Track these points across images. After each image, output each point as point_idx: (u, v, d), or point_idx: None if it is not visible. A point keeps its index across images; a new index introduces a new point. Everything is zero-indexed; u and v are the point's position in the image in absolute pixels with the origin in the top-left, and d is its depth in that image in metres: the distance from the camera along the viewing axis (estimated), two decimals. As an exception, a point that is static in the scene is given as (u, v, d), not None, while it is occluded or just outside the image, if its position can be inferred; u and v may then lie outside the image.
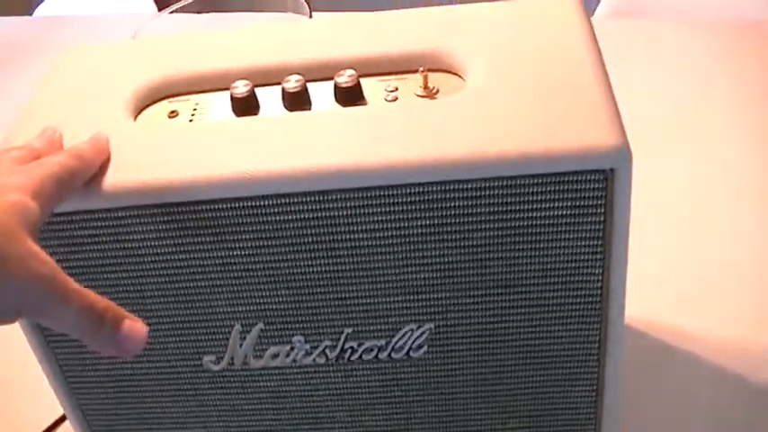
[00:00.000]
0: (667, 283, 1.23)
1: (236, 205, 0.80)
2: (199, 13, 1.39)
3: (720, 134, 1.49)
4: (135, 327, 0.73)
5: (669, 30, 1.79)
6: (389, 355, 0.89)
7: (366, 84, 0.88)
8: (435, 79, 0.88)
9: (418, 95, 0.86)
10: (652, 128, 1.49)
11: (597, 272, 0.83)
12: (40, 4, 2.39)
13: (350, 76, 0.86)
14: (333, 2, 1.75)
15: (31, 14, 2.35)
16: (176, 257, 0.84)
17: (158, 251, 0.83)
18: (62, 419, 1.15)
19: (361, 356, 0.90)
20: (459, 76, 0.88)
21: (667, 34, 1.77)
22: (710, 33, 1.75)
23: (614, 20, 2.01)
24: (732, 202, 1.35)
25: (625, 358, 0.90)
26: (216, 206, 0.80)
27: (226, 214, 0.81)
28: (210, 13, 1.41)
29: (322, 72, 0.89)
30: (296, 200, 0.79)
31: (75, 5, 2.33)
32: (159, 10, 1.94)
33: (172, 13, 1.38)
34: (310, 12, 1.29)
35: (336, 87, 0.87)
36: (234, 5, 1.42)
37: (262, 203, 0.80)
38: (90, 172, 0.80)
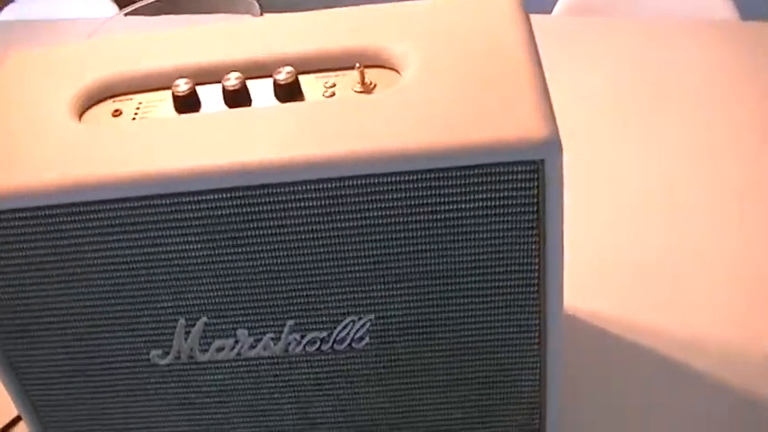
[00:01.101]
0: (609, 273, 1.25)
1: (175, 201, 0.81)
2: (154, 15, 1.40)
3: (673, 125, 1.51)
4: None
5: (624, 26, 1.81)
6: (332, 346, 0.91)
7: (305, 80, 0.89)
8: (373, 75, 0.89)
9: (356, 91, 0.88)
10: (603, 121, 1.50)
11: (532, 262, 0.84)
12: (3, 8, 2.39)
13: (288, 73, 0.88)
14: (289, 3, 1.76)
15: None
16: (117, 253, 0.85)
17: (100, 247, 0.84)
18: (17, 420, 1.15)
19: (304, 348, 0.91)
20: (396, 71, 0.89)
21: (622, 30, 1.79)
22: (665, 30, 1.77)
23: (571, 16, 2.03)
24: (672, 193, 1.37)
25: (568, 347, 0.91)
26: (155, 202, 0.81)
27: (165, 210, 0.82)
28: (165, 15, 1.42)
29: (261, 70, 0.91)
30: (233, 194, 0.81)
31: (40, 9, 2.34)
32: (122, 13, 1.94)
33: (127, 14, 1.39)
34: (261, 13, 1.30)
35: (276, 84, 0.88)
36: (188, 8, 1.43)
37: (200, 198, 0.81)
38: None
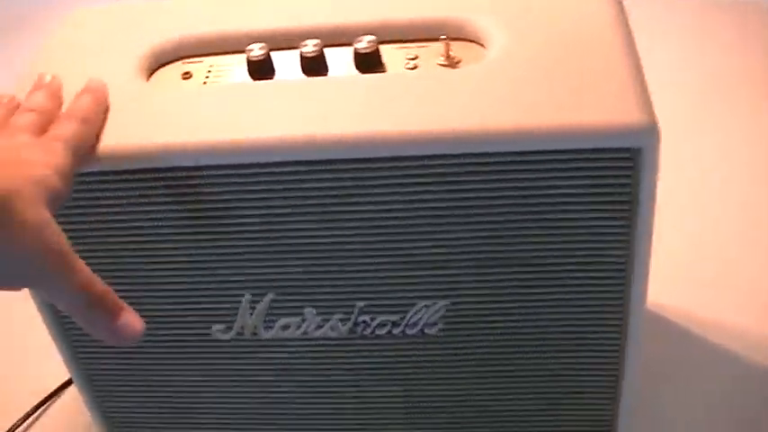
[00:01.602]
0: (692, 269, 1.21)
1: (248, 172, 0.77)
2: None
3: (746, 111, 1.46)
4: (131, 318, 0.73)
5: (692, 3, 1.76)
6: (403, 331, 0.87)
7: (386, 51, 0.85)
8: (457, 48, 0.85)
9: (439, 64, 0.83)
10: (677, 105, 1.46)
11: (621, 254, 0.80)
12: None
13: (369, 42, 0.83)
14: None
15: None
16: (185, 224, 0.81)
17: (166, 216, 0.81)
18: (68, 383, 1.14)
19: (373, 331, 0.87)
20: (482, 46, 0.85)
21: (690, 7, 1.73)
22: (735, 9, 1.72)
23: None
24: (762, 182, 1.32)
25: (645, 343, 0.87)
26: (226, 172, 0.78)
27: (237, 180, 0.78)
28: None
29: (341, 37, 0.86)
30: (309, 168, 0.77)
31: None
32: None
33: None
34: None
35: (355, 53, 0.84)
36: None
37: (273, 170, 0.77)
38: (96, 132, 0.78)
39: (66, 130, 0.75)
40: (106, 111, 0.81)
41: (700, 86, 1.52)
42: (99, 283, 0.71)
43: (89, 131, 0.77)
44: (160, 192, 0.80)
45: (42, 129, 0.76)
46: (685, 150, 1.37)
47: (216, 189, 0.79)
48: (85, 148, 0.76)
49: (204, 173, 0.78)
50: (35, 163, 0.70)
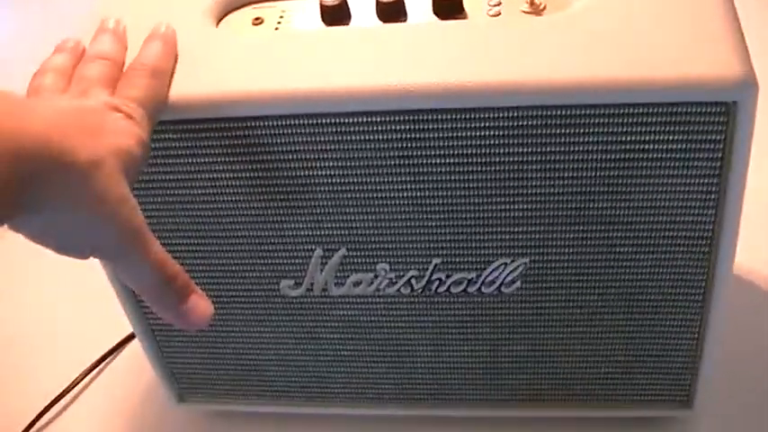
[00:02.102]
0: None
1: (321, 122, 0.75)
2: None
3: None
4: (201, 303, 0.72)
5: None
6: (479, 289, 0.84)
7: (468, -4, 0.82)
8: (542, -6, 0.81)
9: (523, 11, 0.80)
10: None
11: (709, 213, 0.77)
12: None
13: (450, -14, 0.80)
14: None
15: None
16: (255, 175, 0.79)
17: (237, 167, 0.79)
18: (130, 338, 1.12)
19: (448, 289, 0.85)
20: (568, -8, 0.81)
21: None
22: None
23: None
24: None
25: (731, 308, 0.84)
26: (299, 122, 0.75)
27: (310, 131, 0.75)
28: None
29: (421, -19, 0.83)
30: (387, 119, 0.74)
31: None
32: None
33: None
34: None
35: (435, -2, 0.80)
36: None
37: (348, 121, 0.74)
38: (167, 84, 0.76)
39: (140, 88, 0.73)
40: (175, 60, 0.78)
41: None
42: (171, 264, 0.69)
43: (161, 85, 0.75)
44: (231, 143, 0.77)
45: (114, 80, 0.74)
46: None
47: (288, 140, 0.76)
48: (159, 105, 0.74)
49: (276, 122, 0.75)
50: (118, 132, 0.68)
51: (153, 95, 0.73)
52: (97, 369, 1.13)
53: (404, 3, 0.81)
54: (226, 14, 0.85)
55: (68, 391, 1.10)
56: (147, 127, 0.71)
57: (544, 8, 0.80)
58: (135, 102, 0.71)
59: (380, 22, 0.81)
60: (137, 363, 1.09)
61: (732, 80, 0.69)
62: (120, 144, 0.66)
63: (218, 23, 0.84)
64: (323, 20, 0.82)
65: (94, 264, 0.86)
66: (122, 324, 0.95)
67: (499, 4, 0.81)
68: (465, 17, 0.80)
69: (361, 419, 1.01)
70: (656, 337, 0.87)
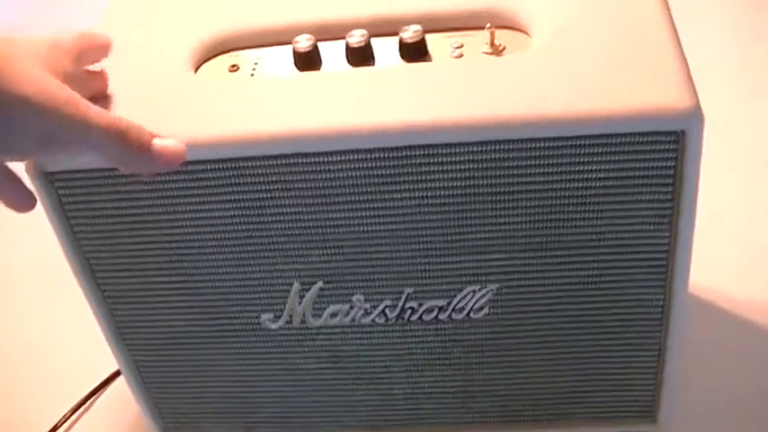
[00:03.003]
0: (736, 252, 1.21)
1: (297, 161, 0.79)
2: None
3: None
4: (166, 142, 0.75)
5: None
6: (450, 316, 0.88)
7: (431, 40, 0.86)
8: (502, 36, 0.86)
9: (485, 53, 0.85)
10: (719, 87, 1.46)
11: (664, 236, 0.81)
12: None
13: (415, 32, 0.84)
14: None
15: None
16: (235, 213, 0.83)
17: (216, 207, 0.82)
18: (116, 374, 1.15)
19: (420, 317, 0.89)
20: (526, 34, 0.86)
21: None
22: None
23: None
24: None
25: (688, 327, 0.88)
26: (276, 162, 0.79)
27: (286, 170, 0.79)
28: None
29: (386, 27, 0.87)
30: (357, 157, 0.78)
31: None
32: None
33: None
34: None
35: (401, 43, 0.85)
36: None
37: (322, 160, 0.78)
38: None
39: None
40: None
41: (744, 69, 1.52)
42: (117, 120, 0.72)
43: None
44: (210, 183, 0.81)
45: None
46: (732, 132, 1.38)
47: (265, 179, 0.80)
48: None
49: (254, 163, 0.79)
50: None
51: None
52: (84, 406, 1.15)
53: (372, 48, 0.86)
54: (204, 62, 0.90)
55: (56, 429, 1.12)
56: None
57: (504, 49, 0.84)
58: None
59: (350, 67, 0.85)
60: (123, 399, 1.12)
61: (680, 111, 0.74)
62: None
63: (196, 70, 0.88)
64: (296, 66, 0.86)
65: (81, 301, 0.90)
66: (110, 361, 0.98)
67: (461, 46, 0.85)
68: (430, 60, 0.85)
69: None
70: (619, 355, 0.91)
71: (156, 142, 0.74)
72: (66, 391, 1.16)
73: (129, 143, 0.72)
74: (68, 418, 1.13)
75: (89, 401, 1.15)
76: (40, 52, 0.73)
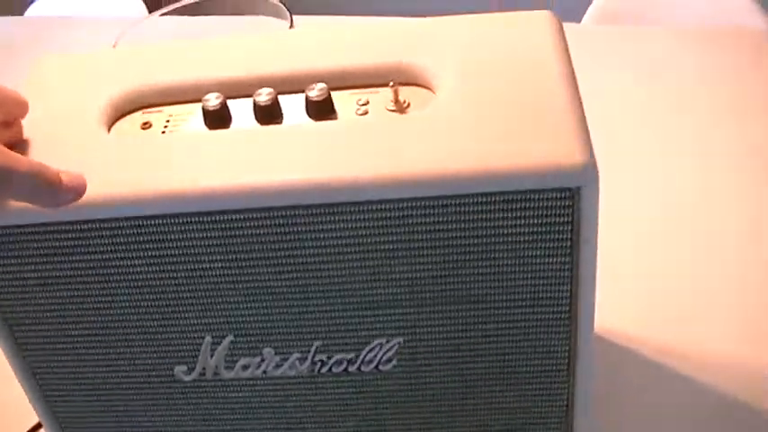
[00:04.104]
0: (641, 296, 1.24)
1: (206, 219, 0.80)
2: (183, 15, 1.39)
3: (701, 140, 1.49)
4: (71, 174, 0.79)
5: (655, 35, 1.79)
6: (359, 368, 0.90)
7: (337, 97, 0.88)
8: (406, 93, 0.87)
9: (389, 110, 0.86)
10: (625, 136, 1.49)
11: (564, 289, 0.83)
12: (32, 3, 2.39)
13: (320, 90, 0.86)
14: (314, 6, 1.76)
15: (22, 14, 2.35)
16: (146, 269, 0.84)
17: (128, 263, 0.83)
18: (38, 427, 1.15)
19: (330, 369, 0.90)
20: (430, 90, 0.88)
21: (653, 39, 1.77)
22: (697, 39, 1.76)
23: (602, 25, 2.01)
24: (705, 212, 1.35)
25: (596, 372, 0.90)
26: (186, 220, 0.80)
27: (195, 227, 0.81)
28: (195, 17, 1.41)
29: (293, 84, 0.89)
30: (265, 215, 0.80)
31: (68, 5, 2.33)
32: (150, 12, 1.95)
33: (151, 16, 1.38)
34: (291, 17, 1.28)
35: (308, 101, 0.87)
36: (215, 10, 1.42)
37: (231, 218, 0.80)
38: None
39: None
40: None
41: (648, 115, 1.56)
42: (31, 160, 0.77)
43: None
44: (118, 240, 0.82)
45: None
46: (636, 178, 1.41)
47: (174, 236, 0.81)
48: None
49: (161, 221, 0.80)
50: None
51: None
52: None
53: (279, 106, 0.87)
54: (116, 120, 0.91)
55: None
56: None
57: (408, 105, 0.86)
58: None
59: (258, 125, 0.87)
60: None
61: (574, 167, 0.76)
62: None
63: (109, 129, 0.90)
64: (206, 123, 0.88)
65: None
66: (29, 413, 0.98)
67: (367, 103, 0.87)
68: (336, 117, 0.87)
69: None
70: (527, 406, 0.93)
71: (63, 176, 0.78)
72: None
73: (44, 180, 0.76)
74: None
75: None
76: None
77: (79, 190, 0.79)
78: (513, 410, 0.93)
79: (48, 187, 0.77)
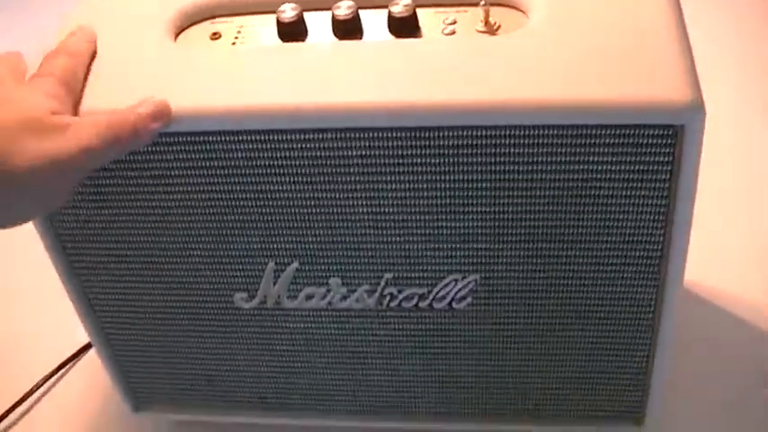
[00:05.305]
0: (732, 250, 1.18)
1: (276, 138, 0.75)
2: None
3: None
4: (146, 107, 0.74)
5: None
6: (430, 304, 0.85)
7: (423, 14, 0.82)
8: (497, 14, 0.81)
9: (478, 31, 0.80)
10: (727, 85, 1.42)
11: (659, 233, 0.77)
12: None
13: (405, 6, 0.80)
14: None
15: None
16: (210, 189, 0.79)
17: (191, 181, 0.79)
18: (87, 347, 1.12)
19: (400, 304, 0.85)
20: (523, 12, 0.82)
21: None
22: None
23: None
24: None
25: (680, 324, 0.85)
26: (254, 137, 0.75)
27: (264, 146, 0.76)
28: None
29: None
30: (338, 136, 0.74)
31: None
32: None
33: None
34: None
35: (390, 17, 0.81)
36: None
37: (302, 137, 0.75)
38: (86, 64, 0.80)
39: (53, 64, 0.76)
40: (95, 42, 0.82)
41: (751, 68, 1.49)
42: (100, 124, 0.72)
43: (78, 63, 0.78)
44: (185, 156, 0.77)
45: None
46: (733, 130, 1.34)
47: (242, 155, 0.77)
48: (77, 81, 0.77)
49: (231, 138, 0.76)
50: (21, 99, 0.71)
51: (69, 69, 0.76)
52: (54, 378, 1.12)
53: (360, 20, 0.82)
54: (184, 29, 0.86)
55: (25, 399, 1.10)
56: (61, 91, 0.74)
57: (498, 27, 0.80)
58: (46, 75, 0.75)
59: (336, 39, 0.82)
60: (94, 372, 1.09)
61: (680, 105, 0.70)
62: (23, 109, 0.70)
63: (176, 38, 0.85)
64: (279, 36, 0.83)
65: (51, 272, 0.87)
66: (79, 333, 0.95)
67: (454, 22, 0.81)
68: (420, 35, 0.81)
69: (317, 430, 1.02)
70: (607, 353, 0.88)
71: (141, 111, 0.73)
72: (37, 362, 1.13)
73: (122, 139, 0.73)
74: (37, 389, 1.11)
75: (60, 372, 1.13)
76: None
77: (166, 121, 0.74)
78: (592, 358, 0.88)
79: (130, 140, 0.73)
